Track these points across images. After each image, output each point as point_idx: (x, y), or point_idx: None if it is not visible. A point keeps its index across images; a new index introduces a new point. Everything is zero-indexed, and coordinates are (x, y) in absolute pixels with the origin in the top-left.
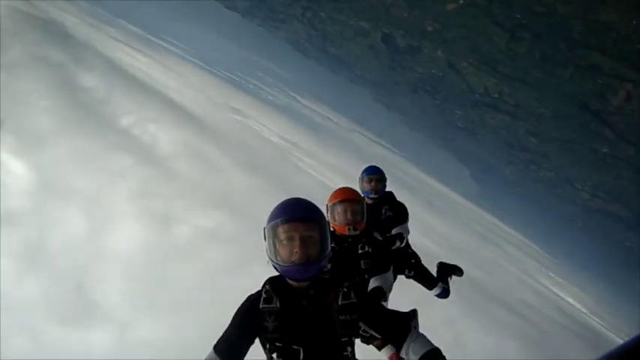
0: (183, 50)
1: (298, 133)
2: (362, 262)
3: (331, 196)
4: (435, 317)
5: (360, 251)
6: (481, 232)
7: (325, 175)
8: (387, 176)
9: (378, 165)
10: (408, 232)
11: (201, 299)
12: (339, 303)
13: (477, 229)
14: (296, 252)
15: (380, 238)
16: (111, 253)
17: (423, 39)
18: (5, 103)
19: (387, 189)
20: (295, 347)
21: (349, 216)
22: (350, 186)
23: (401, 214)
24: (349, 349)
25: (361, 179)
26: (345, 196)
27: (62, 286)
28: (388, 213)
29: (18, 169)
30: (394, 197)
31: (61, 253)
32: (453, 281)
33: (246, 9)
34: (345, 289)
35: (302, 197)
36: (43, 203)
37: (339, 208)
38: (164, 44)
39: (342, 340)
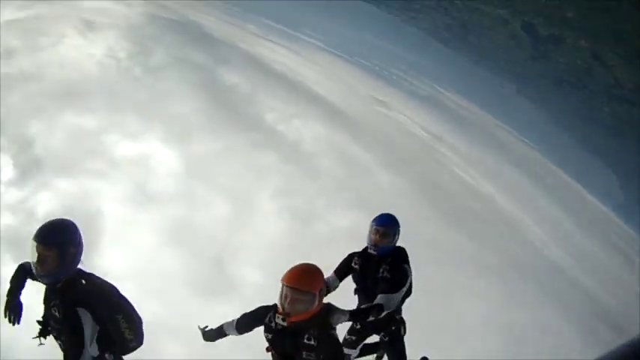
0: (321, 42)
1: (442, 126)
2: (304, 354)
3: None
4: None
5: (304, 341)
6: (623, 249)
7: (469, 173)
8: (399, 230)
9: (393, 215)
10: (394, 305)
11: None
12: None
13: (619, 245)
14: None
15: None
16: (250, 241)
17: (565, 27)
18: (154, 102)
19: (400, 244)
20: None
21: (284, 302)
22: (311, 263)
23: (397, 280)
24: None
25: (370, 226)
26: (286, 279)
27: (201, 261)
28: (385, 274)
29: (167, 157)
30: (401, 257)
31: (203, 233)
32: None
33: (381, 0)
34: (309, 335)
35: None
36: (190, 189)
37: (280, 289)
38: (302, 36)
39: None
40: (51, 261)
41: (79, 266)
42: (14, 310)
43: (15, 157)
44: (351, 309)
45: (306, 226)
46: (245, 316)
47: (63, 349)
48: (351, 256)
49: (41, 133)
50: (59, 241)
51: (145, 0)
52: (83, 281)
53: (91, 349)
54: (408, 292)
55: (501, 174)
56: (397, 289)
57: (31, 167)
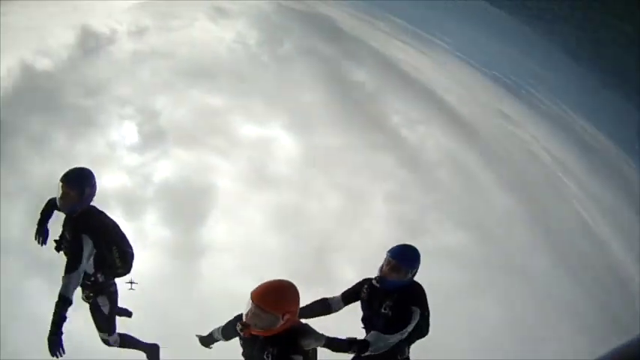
0: (451, 45)
1: (566, 150)
2: None
3: None
4: None
5: (264, 357)
6: None
7: (588, 210)
8: (416, 266)
9: (414, 248)
10: (386, 347)
11: None
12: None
13: None
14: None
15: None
16: (354, 239)
17: None
18: (280, 89)
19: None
20: None
21: (246, 313)
22: (287, 281)
23: (396, 320)
24: None
25: (385, 255)
26: (253, 294)
27: (302, 249)
28: (387, 311)
29: (287, 143)
30: (411, 296)
31: (310, 222)
32: None
33: (512, 7)
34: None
35: None
36: (305, 177)
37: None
38: (432, 38)
39: None
40: (71, 198)
41: (93, 204)
42: (42, 234)
43: (140, 125)
44: (330, 336)
45: (412, 237)
46: (228, 323)
47: (66, 264)
48: (364, 282)
49: (167, 107)
50: (79, 184)
51: None
52: (92, 216)
53: (87, 266)
54: (421, 333)
55: (622, 217)
56: (394, 331)
57: (153, 136)
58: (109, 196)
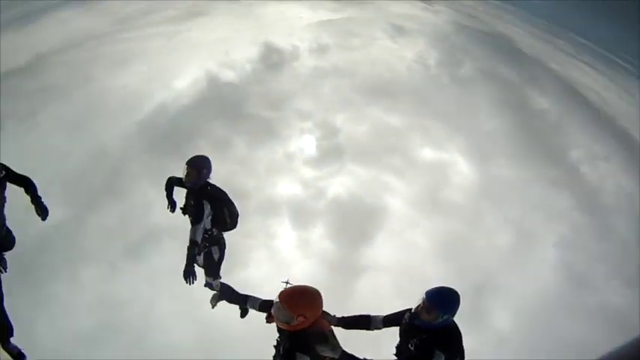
0: (638, 69)
1: None
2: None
3: None
4: None
5: (280, 347)
6: None
7: None
8: (451, 312)
9: (452, 293)
10: None
11: None
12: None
13: None
14: None
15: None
16: (515, 283)
17: None
18: (460, 113)
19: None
20: None
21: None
22: (313, 288)
23: (418, 358)
24: None
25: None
26: (281, 292)
27: (460, 282)
28: (412, 347)
29: (463, 170)
30: (441, 338)
31: (474, 255)
32: None
33: None
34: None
35: None
36: (477, 207)
37: None
38: (616, 59)
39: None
40: (193, 176)
41: (208, 180)
42: (172, 204)
43: (319, 140)
44: (348, 352)
45: (576, 292)
46: (266, 301)
47: (191, 221)
48: (406, 311)
49: (346, 124)
50: (198, 166)
51: (453, 10)
52: (209, 187)
53: (206, 222)
54: None
55: None
56: None
57: (331, 152)
58: (282, 204)
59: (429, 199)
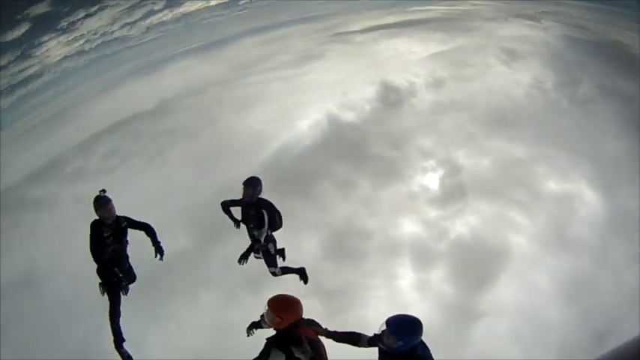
0: None
1: None
2: None
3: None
4: None
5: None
6: None
7: None
8: (407, 341)
9: (411, 324)
10: None
11: None
12: None
13: None
14: None
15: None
16: None
17: None
18: (583, 138)
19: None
20: None
21: None
22: (294, 297)
23: None
24: None
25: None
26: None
27: (584, 328)
28: None
29: (591, 201)
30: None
31: (599, 298)
32: None
33: None
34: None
35: None
36: (605, 244)
37: None
38: None
39: None
40: (251, 193)
41: (261, 195)
42: (235, 222)
43: (442, 178)
44: None
45: None
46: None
47: (250, 228)
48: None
49: (468, 159)
50: (254, 185)
51: (562, 24)
52: (262, 200)
53: (265, 228)
54: None
55: None
56: None
57: (454, 191)
58: (404, 244)
59: (555, 235)
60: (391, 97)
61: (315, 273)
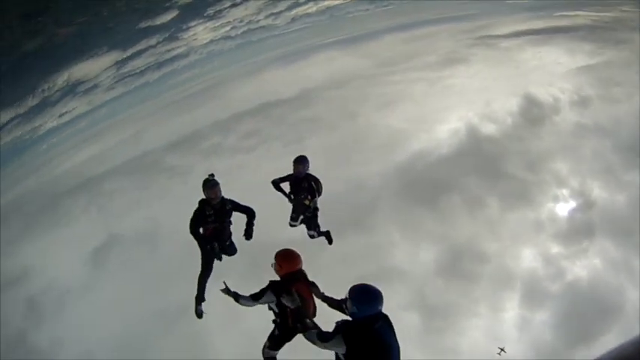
0: None
1: None
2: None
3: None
4: None
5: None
6: None
7: None
8: (358, 305)
9: (365, 287)
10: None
11: None
12: None
13: None
14: None
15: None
16: None
17: None
18: None
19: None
20: None
21: None
22: (293, 250)
23: (328, 334)
24: None
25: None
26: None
27: None
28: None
29: None
30: (349, 328)
31: None
32: None
33: None
34: None
35: None
36: None
37: None
38: None
39: None
40: (301, 169)
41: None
42: (288, 196)
43: (572, 212)
44: (301, 305)
45: None
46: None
47: (300, 199)
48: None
49: (604, 193)
50: (304, 162)
51: None
52: (310, 176)
53: (317, 197)
54: None
55: None
56: (322, 339)
57: (582, 228)
58: (517, 277)
59: None
60: (534, 113)
61: (423, 286)
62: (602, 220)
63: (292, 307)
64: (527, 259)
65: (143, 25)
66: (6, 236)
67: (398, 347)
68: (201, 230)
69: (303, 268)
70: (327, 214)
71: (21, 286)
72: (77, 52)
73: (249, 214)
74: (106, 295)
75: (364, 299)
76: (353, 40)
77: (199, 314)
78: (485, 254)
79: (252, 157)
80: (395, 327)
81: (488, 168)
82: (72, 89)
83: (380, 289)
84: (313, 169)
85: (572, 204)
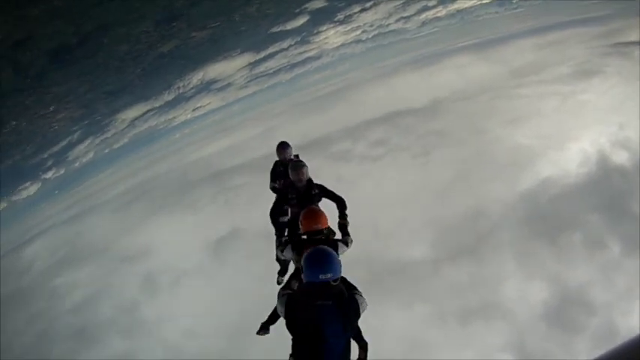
0: None
1: None
2: None
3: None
4: None
5: None
6: None
7: None
8: (306, 266)
9: (322, 253)
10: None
11: None
12: None
13: None
14: None
15: None
16: None
17: None
18: None
19: None
20: None
21: None
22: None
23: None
24: None
25: None
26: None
27: None
28: None
29: None
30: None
31: None
32: None
33: None
34: None
35: None
36: None
37: None
38: None
39: None
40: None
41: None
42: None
43: None
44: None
45: None
46: None
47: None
48: None
49: None
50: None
51: None
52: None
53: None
54: None
55: None
56: None
57: None
58: (619, 335)
59: None
60: None
61: (525, 328)
62: None
63: (294, 263)
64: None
65: (275, 29)
66: (135, 214)
67: (340, 339)
68: (285, 219)
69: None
70: (447, 236)
71: (142, 263)
72: (211, 53)
73: (341, 202)
74: (220, 284)
75: (311, 256)
76: (483, 45)
77: (279, 282)
78: (593, 304)
79: (379, 167)
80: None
81: (615, 204)
82: (206, 87)
83: (335, 256)
84: (437, 182)
85: None
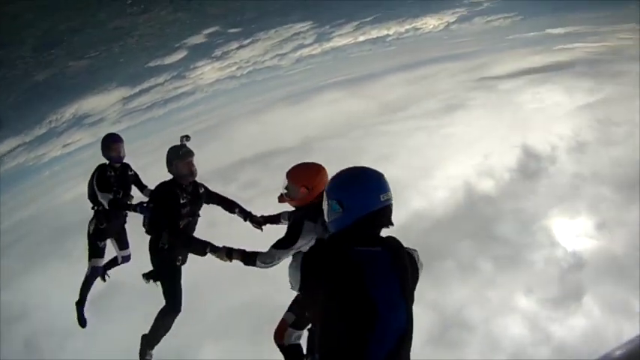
0: None
1: None
2: None
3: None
4: None
5: None
6: None
7: None
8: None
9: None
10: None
11: None
12: None
13: None
14: None
15: None
16: None
17: None
18: None
19: None
20: None
21: None
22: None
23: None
24: None
25: None
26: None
27: None
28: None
29: None
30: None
31: None
32: None
33: None
34: None
35: None
36: None
37: None
38: None
39: None
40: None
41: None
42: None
43: (561, 276)
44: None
45: None
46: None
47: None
48: None
49: (595, 254)
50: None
51: None
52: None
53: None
54: None
55: None
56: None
57: (571, 291)
58: (504, 346)
59: None
60: (531, 167)
61: (413, 356)
62: (591, 282)
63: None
64: (514, 325)
65: (152, 63)
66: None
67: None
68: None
69: None
70: None
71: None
72: (87, 85)
73: (233, 202)
74: (106, 342)
75: (355, 180)
76: (355, 81)
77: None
78: (471, 322)
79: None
80: None
81: (482, 231)
82: (78, 121)
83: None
84: None
85: (564, 266)
